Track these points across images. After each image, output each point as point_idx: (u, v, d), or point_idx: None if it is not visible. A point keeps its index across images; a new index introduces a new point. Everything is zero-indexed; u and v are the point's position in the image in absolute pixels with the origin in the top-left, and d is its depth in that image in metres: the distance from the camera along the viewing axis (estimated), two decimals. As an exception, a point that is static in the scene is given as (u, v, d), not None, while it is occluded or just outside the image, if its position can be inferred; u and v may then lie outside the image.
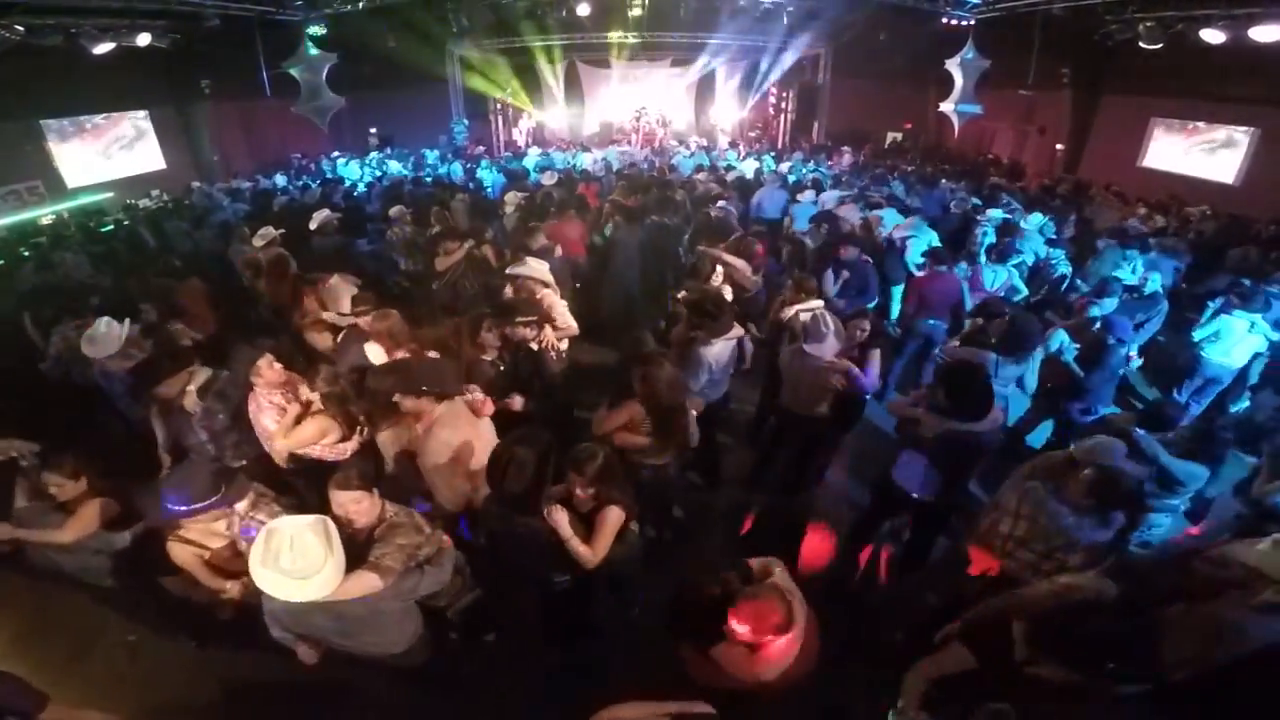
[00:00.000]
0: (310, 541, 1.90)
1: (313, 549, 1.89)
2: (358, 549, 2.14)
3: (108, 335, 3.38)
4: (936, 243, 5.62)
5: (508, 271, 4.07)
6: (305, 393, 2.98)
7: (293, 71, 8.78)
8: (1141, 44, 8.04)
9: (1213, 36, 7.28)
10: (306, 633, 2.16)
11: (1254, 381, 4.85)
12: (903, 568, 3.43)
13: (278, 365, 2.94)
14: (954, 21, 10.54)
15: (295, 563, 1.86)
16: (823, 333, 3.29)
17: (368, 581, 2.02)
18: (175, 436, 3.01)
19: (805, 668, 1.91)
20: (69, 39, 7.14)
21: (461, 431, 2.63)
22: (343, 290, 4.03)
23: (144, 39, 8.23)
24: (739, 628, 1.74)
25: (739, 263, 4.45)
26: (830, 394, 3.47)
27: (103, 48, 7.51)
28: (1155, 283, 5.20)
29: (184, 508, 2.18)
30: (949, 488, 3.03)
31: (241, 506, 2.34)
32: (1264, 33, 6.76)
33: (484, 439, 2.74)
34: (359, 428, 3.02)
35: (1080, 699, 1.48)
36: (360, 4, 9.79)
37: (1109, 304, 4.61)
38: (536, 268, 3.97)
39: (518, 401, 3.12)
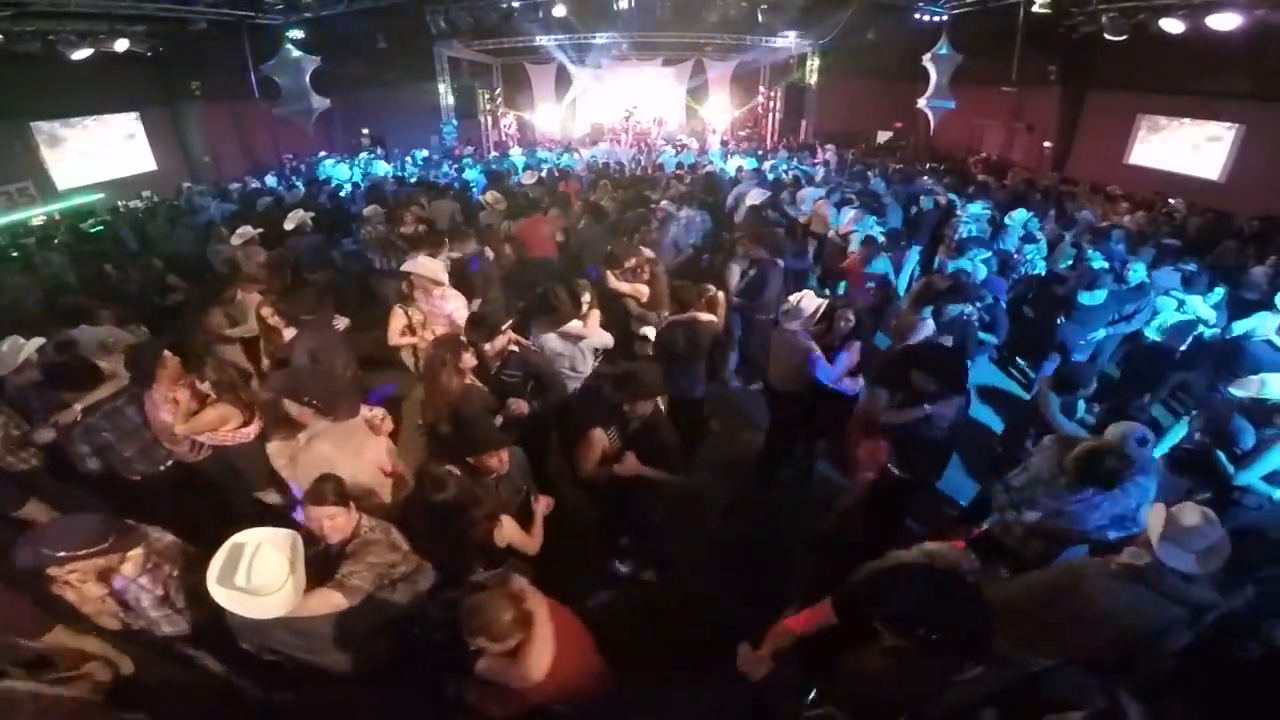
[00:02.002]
0: (272, 558, 1.85)
1: (273, 566, 1.84)
2: (329, 564, 2.09)
3: (7, 354, 3.33)
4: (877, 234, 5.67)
5: (402, 269, 4.01)
6: (202, 386, 3.04)
7: (274, 75, 8.84)
8: (1106, 35, 8.07)
9: (1172, 26, 7.32)
10: (270, 647, 2.09)
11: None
12: (867, 549, 3.47)
13: (176, 359, 3.03)
14: (928, 17, 10.55)
15: (252, 579, 1.81)
16: (800, 310, 3.48)
17: (332, 600, 1.96)
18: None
19: (585, 664, 1.89)
20: (47, 45, 7.18)
21: (346, 448, 2.53)
22: (250, 304, 4.09)
23: (122, 44, 8.28)
24: (478, 638, 1.72)
25: (625, 287, 4.40)
26: (802, 374, 3.53)
27: (81, 54, 7.55)
28: (1140, 273, 5.21)
29: (61, 553, 1.93)
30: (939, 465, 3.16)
31: (128, 569, 2.08)
32: (1220, 21, 6.79)
33: (372, 458, 2.66)
34: (258, 413, 3.08)
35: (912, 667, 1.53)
36: (339, 7, 9.82)
37: (1099, 295, 4.65)
38: (428, 265, 3.90)
39: (521, 405, 3.10)
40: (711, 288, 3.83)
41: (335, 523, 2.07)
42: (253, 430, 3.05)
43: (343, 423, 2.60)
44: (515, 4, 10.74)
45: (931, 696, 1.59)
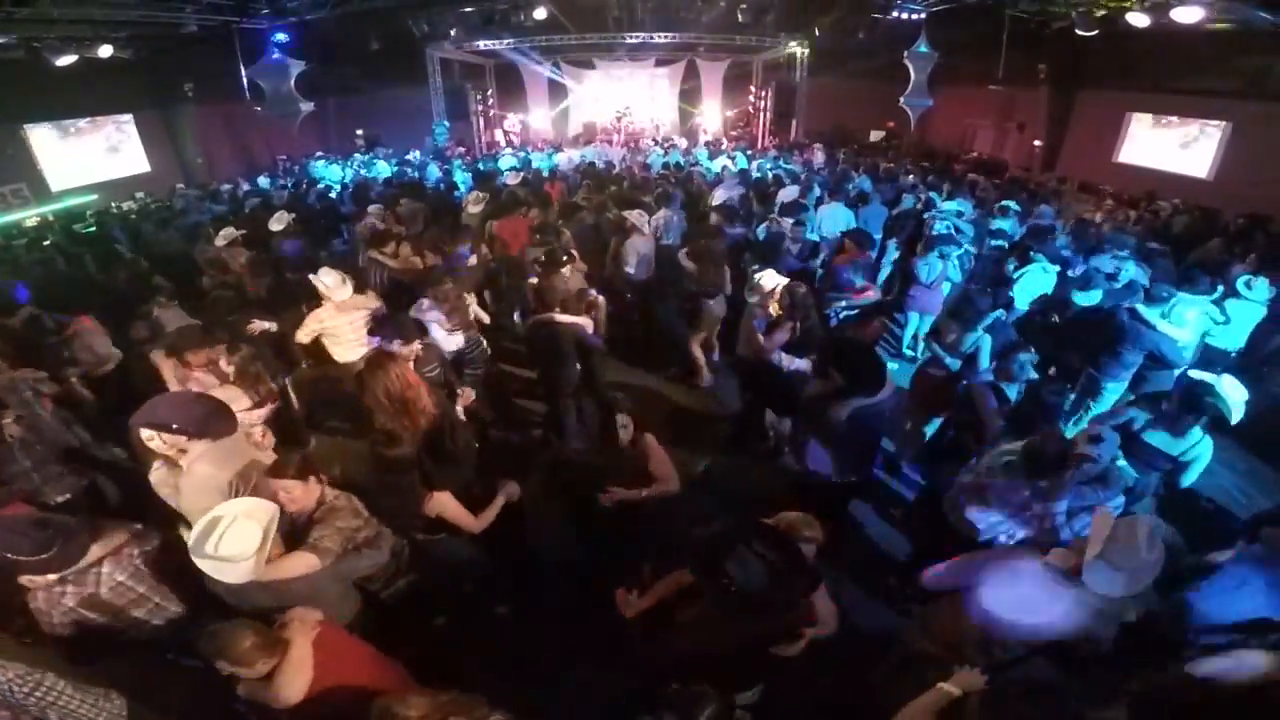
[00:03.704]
0: (248, 529, 1.98)
1: (247, 536, 1.96)
2: (298, 532, 2.22)
3: None
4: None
5: (311, 277, 3.96)
6: (225, 366, 3.20)
7: (257, 79, 8.93)
8: (1077, 31, 8.10)
9: (1138, 20, 7.37)
10: (249, 608, 2.16)
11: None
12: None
13: (210, 347, 3.18)
14: (908, 15, 10.61)
15: (224, 548, 1.93)
16: (759, 286, 3.83)
17: (307, 561, 2.11)
18: None
19: (366, 690, 1.89)
20: (32, 52, 7.24)
21: (229, 467, 2.42)
22: (167, 319, 4.18)
23: (105, 51, 8.34)
24: (217, 661, 1.77)
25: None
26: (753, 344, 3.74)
27: (65, 60, 7.63)
28: (1129, 272, 5.22)
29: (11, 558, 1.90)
30: (863, 464, 3.15)
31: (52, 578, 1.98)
32: (1184, 14, 6.82)
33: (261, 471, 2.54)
34: (272, 397, 3.24)
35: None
36: (324, 11, 9.89)
37: (1094, 295, 4.65)
38: (331, 276, 3.85)
39: (470, 394, 3.30)
40: (593, 292, 3.89)
41: (293, 494, 2.22)
42: (262, 414, 3.13)
43: (222, 441, 2.44)
44: (500, 6, 10.77)
45: (739, 659, 1.66)
